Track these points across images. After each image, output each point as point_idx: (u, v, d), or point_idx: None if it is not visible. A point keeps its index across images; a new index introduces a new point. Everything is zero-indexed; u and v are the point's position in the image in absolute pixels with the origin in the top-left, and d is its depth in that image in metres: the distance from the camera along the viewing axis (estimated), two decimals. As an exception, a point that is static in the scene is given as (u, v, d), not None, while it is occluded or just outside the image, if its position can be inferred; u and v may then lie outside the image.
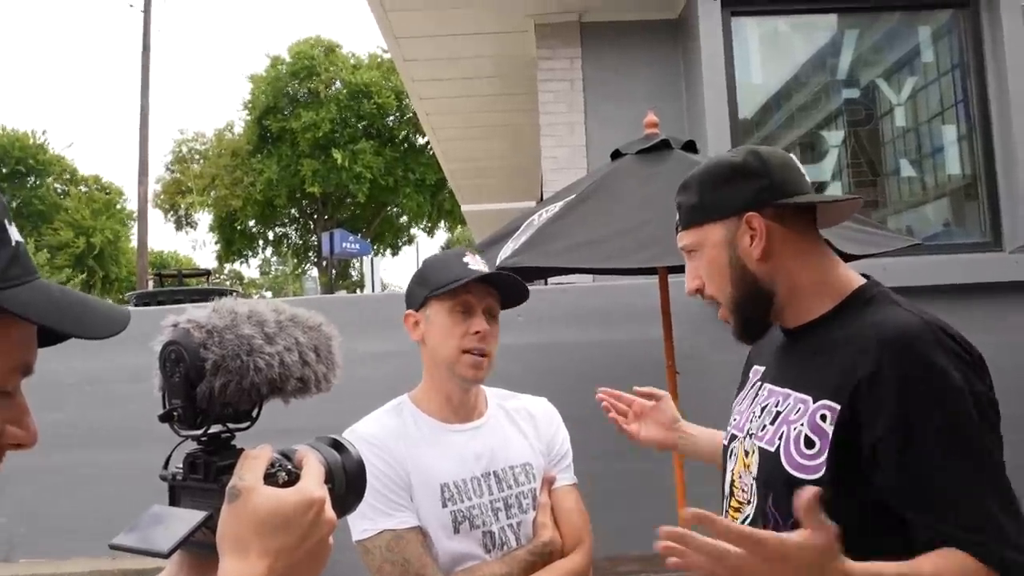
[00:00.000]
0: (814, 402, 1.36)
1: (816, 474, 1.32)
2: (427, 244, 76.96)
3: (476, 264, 1.87)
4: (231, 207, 26.81)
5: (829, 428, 1.32)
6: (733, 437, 1.59)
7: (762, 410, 1.49)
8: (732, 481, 1.55)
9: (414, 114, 21.43)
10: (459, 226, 30.01)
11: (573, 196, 3.52)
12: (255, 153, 26.84)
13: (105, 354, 4.88)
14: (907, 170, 5.36)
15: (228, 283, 32.32)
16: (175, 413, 0.90)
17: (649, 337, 3.98)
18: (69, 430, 4.86)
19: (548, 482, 1.96)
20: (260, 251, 31.25)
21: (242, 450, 0.91)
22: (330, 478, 0.92)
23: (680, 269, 3.86)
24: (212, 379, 0.88)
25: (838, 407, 1.31)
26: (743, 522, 1.47)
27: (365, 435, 1.83)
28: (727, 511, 1.55)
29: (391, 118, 27.01)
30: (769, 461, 1.41)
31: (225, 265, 32.62)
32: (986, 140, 5.12)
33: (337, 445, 0.96)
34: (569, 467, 2.03)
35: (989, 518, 1.22)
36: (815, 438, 1.33)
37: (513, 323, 4.46)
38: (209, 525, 0.86)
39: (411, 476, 1.80)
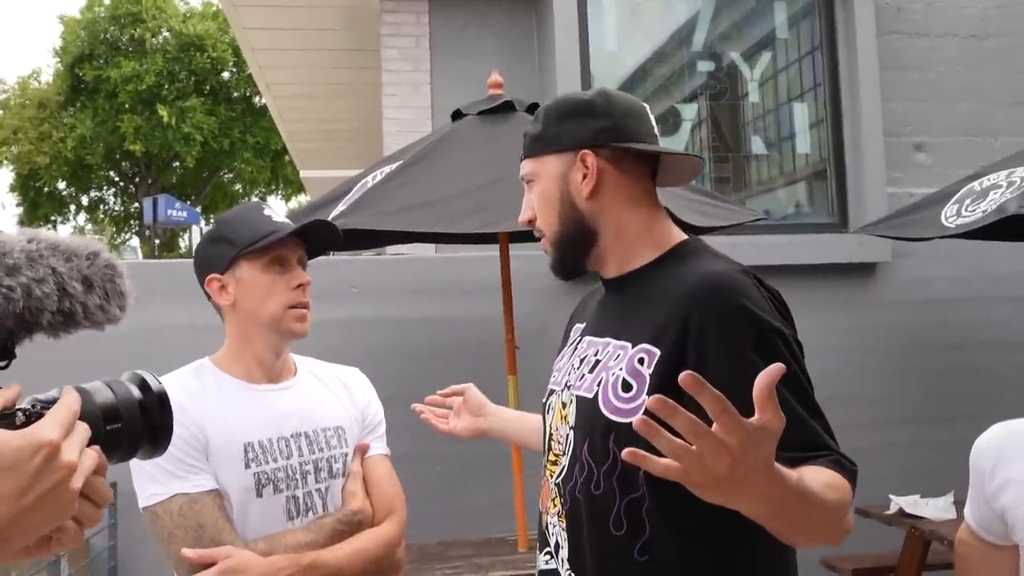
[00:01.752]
0: (632, 347, 1.44)
1: (634, 416, 1.35)
2: (266, 216, 74.76)
3: (277, 216, 1.90)
4: (35, 164, 25.22)
5: (647, 371, 1.40)
6: (551, 393, 1.66)
7: (581, 361, 1.56)
8: (550, 435, 1.61)
9: (252, 70, 20.80)
10: (298, 194, 29.37)
11: (409, 156, 3.51)
12: (66, 106, 25.36)
13: None
14: (763, 150, 5.61)
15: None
16: None
17: (494, 311, 4.02)
18: None
19: (360, 450, 2.00)
20: (72, 216, 29.62)
21: None
22: (114, 416, 0.91)
23: (522, 237, 3.96)
24: None
25: (657, 351, 1.39)
26: (559, 475, 1.53)
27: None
28: (545, 465, 1.62)
29: (226, 74, 26.07)
30: (586, 408, 1.48)
31: (29, 232, 30.65)
32: (836, 124, 5.43)
33: (141, 381, 0.95)
34: (382, 437, 2.07)
35: (825, 436, 1.36)
36: (632, 381, 1.41)
37: (347, 295, 4.42)
38: None
39: (209, 436, 1.80)
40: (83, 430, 0.86)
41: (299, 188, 27.11)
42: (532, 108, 3.72)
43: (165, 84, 24.36)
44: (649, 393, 1.39)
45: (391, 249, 5.10)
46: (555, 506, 1.55)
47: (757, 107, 5.66)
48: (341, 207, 3.38)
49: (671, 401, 1.01)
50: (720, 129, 5.57)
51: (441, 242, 4.39)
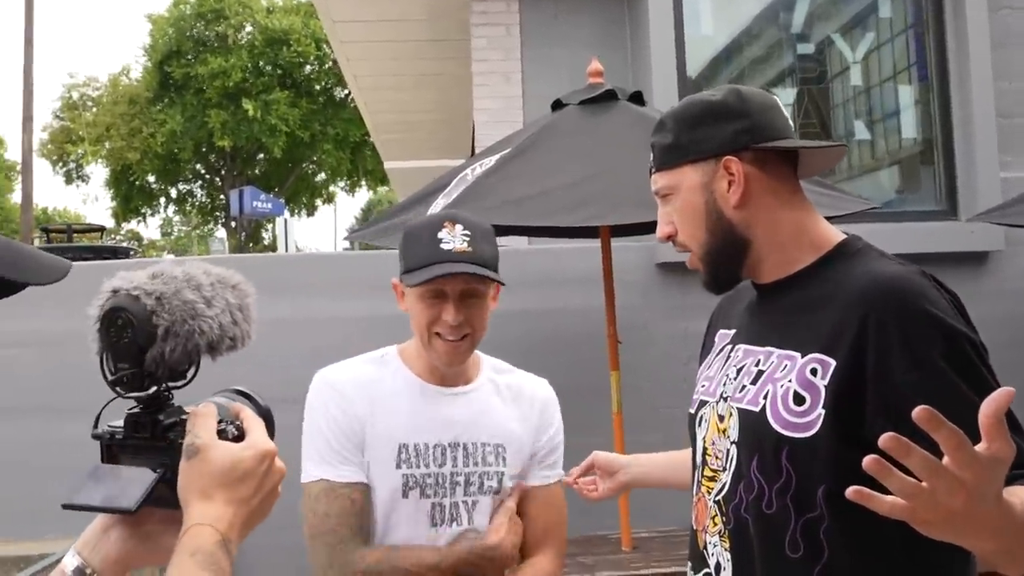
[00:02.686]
0: (802, 357, 1.36)
1: (809, 431, 1.31)
2: (347, 204, 76.18)
3: (453, 240, 1.79)
4: (127, 160, 26.00)
5: (821, 382, 1.32)
6: (703, 403, 1.57)
7: (738, 371, 1.48)
8: (704, 449, 1.53)
9: (335, 63, 20.99)
10: (379, 185, 29.71)
11: (509, 149, 3.46)
12: (156, 101, 26.08)
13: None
14: (861, 133, 5.42)
15: (125, 243, 31.40)
16: (124, 378, 1.00)
17: (591, 305, 3.96)
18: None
19: (519, 490, 1.93)
20: (162, 209, 30.48)
21: (180, 407, 1.03)
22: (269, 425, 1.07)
23: (625, 231, 3.88)
24: (163, 344, 0.99)
25: (832, 361, 1.31)
26: (719, 492, 1.46)
27: (330, 379, 1.88)
28: (699, 481, 1.54)
29: (309, 68, 26.47)
30: (753, 422, 1.39)
31: (122, 224, 31.73)
32: (943, 105, 5.20)
33: (246, 396, 1.09)
34: (557, 462, 2.00)
35: None
36: (805, 394, 1.33)
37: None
38: (164, 479, 0.99)
39: (367, 430, 1.82)
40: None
41: (380, 179, 27.40)
42: (635, 97, 3.63)
43: (250, 79, 24.86)
44: (826, 406, 1.30)
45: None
46: (715, 524, 1.47)
47: (855, 88, 5.46)
48: (441, 200, 3.35)
49: (904, 439, 0.94)
50: (817, 112, 5.39)
51: (538, 235, 4.34)
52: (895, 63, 5.42)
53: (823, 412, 1.30)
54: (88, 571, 0.99)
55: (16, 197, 28.98)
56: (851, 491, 0.96)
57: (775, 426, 1.35)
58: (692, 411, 1.61)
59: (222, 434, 1.00)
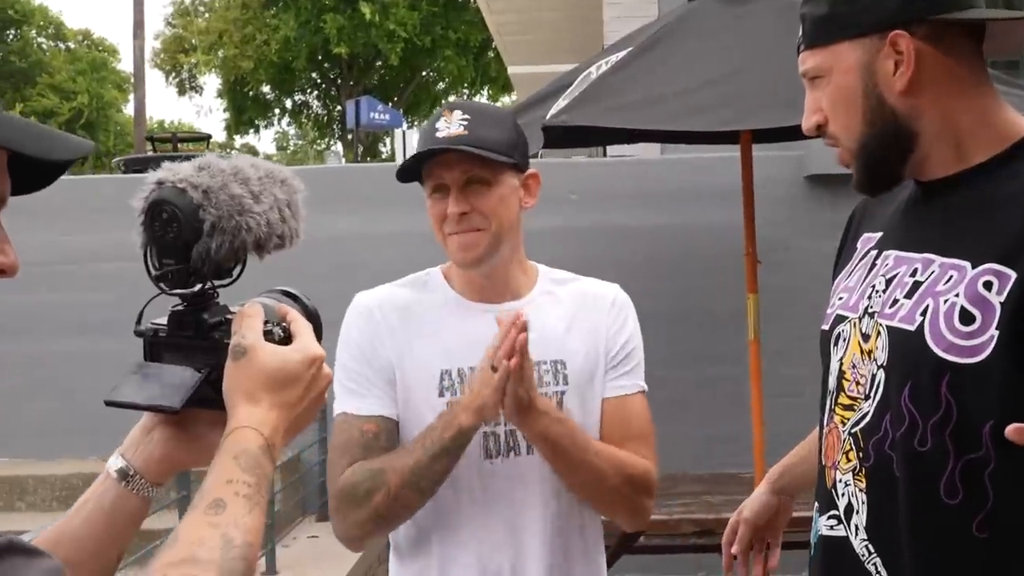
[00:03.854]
0: (972, 267, 1.27)
1: (978, 355, 1.23)
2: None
3: (449, 127, 1.75)
4: (241, 70, 26.73)
5: (996, 298, 1.23)
6: (840, 319, 1.47)
7: (888, 282, 1.38)
8: (841, 373, 1.44)
9: (456, -41, 20.97)
10: (503, 95, 29.67)
11: (638, 44, 3.39)
12: (269, 6, 26.56)
13: (84, 230, 4.91)
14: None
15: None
16: (169, 274, 1.03)
17: (727, 221, 3.91)
18: (48, 313, 4.94)
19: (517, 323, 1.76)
20: (276, 121, 31.33)
21: (225, 307, 1.06)
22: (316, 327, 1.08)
23: (769, 137, 3.74)
24: (208, 240, 1.01)
25: (1012, 273, 1.23)
26: (857, 423, 1.38)
27: (360, 304, 1.87)
28: (831, 410, 1.45)
29: (428, -35, 26.42)
30: (907, 342, 1.30)
31: (235, 137, 32.83)
32: None
33: (293, 297, 1.11)
34: (634, 371, 1.91)
35: None
36: (975, 311, 1.24)
37: (564, 202, 4.39)
38: (208, 379, 1.02)
39: (404, 358, 1.80)
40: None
41: (504, 86, 27.32)
42: (781, -17, 3.47)
43: (368, -21, 25.02)
44: (1001, 327, 1.21)
45: (612, 150, 5.01)
46: (848, 461, 1.39)
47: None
48: (562, 102, 3.33)
49: None
50: None
51: (670, 141, 4.28)
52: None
53: (997, 334, 1.22)
54: (131, 472, 1.04)
55: (130, 109, 30.29)
56: (1011, 429, 0.91)
57: (935, 348, 1.27)
58: (826, 328, 1.52)
59: (269, 336, 1.02)
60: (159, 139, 11.15)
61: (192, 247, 1.01)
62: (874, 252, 1.46)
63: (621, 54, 3.45)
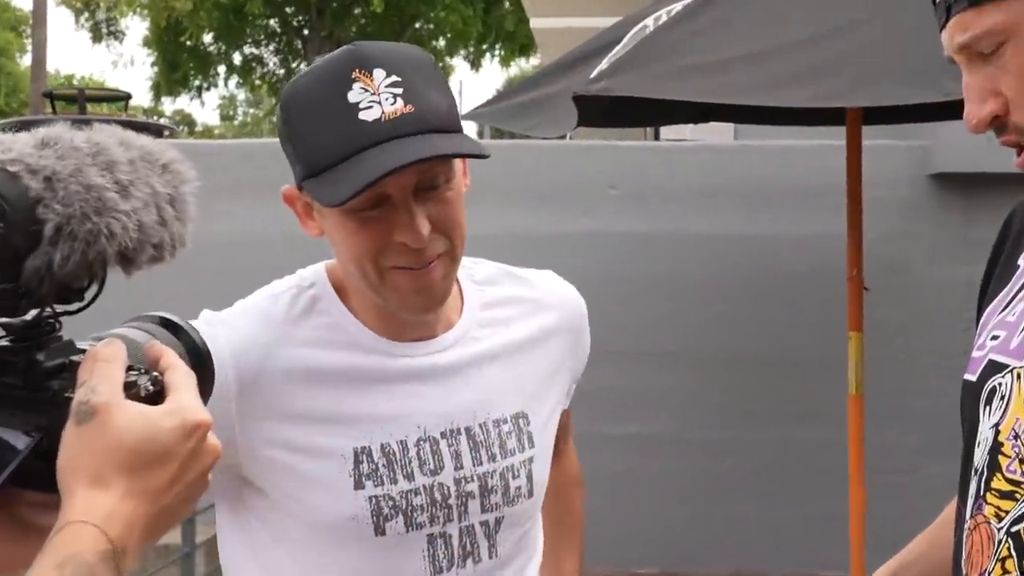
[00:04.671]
0: None
1: None
2: (472, 81, 77.30)
3: (376, 100, 1.52)
4: (176, 12, 26.95)
5: None
6: (996, 367, 1.44)
7: None
8: (997, 444, 1.41)
9: None
10: (521, 55, 29.85)
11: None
12: (217, -71, 26.81)
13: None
14: None
15: (168, 124, 32.85)
16: None
17: (826, 231, 3.90)
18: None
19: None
20: (221, 81, 31.54)
21: (71, 343, 1.01)
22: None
23: (884, 117, 3.77)
24: (50, 249, 0.94)
25: None
26: (1019, 518, 1.35)
27: (219, 351, 1.63)
28: (980, 496, 1.43)
29: None
30: None
31: (164, 99, 33.05)
32: None
33: (173, 329, 1.07)
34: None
35: None
36: None
37: (601, 198, 4.38)
38: (38, 449, 0.96)
39: (274, 432, 1.65)
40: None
41: (523, 45, 27.49)
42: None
43: None
44: None
45: (667, 132, 5.03)
46: (1006, 571, 1.38)
47: None
48: (604, 64, 3.31)
49: None
50: None
51: (747, 122, 4.26)
52: None
53: None
54: None
55: (28, 59, 30.53)
56: None
57: None
58: (972, 378, 1.49)
59: (131, 389, 0.96)
60: (60, 96, 11.13)
61: (25, 259, 0.94)
62: None
63: (683, 2, 3.46)
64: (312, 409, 1.67)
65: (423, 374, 1.72)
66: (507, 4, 24.97)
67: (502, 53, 30.69)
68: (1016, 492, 1.37)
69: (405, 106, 1.52)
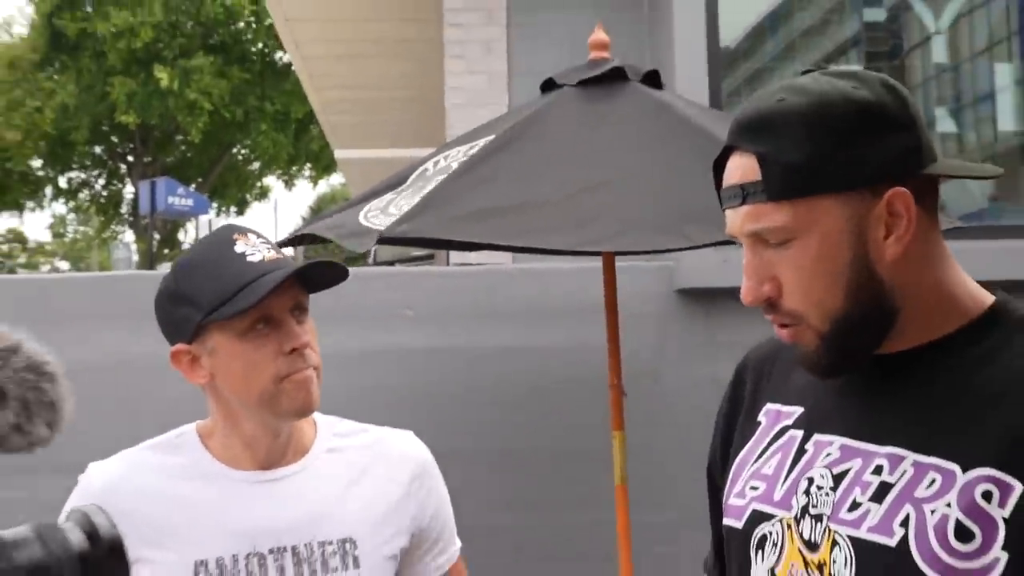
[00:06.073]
0: (964, 471, 1.22)
1: None
2: (286, 198, 76.33)
3: (256, 251, 1.78)
4: (5, 141, 25.93)
5: (999, 512, 1.19)
6: (761, 516, 1.41)
7: (838, 478, 1.32)
8: None
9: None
10: (327, 174, 29.76)
11: (487, 140, 3.43)
12: (44, 66, 26.04)
13: None
14: (944, 123, 5.41)
15: (5, 247, 31.39)
16: None
17: (589, 343, 3.94)
18: None
19: None
20: (47, 202, 30.43)
21: None
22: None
23: (633, 253, 3.81)
24: None
25: (1018, 485, 1.19)
26: None
27: (91, 486, 1.81)
28: None
29: (242, 24, 26.48)
30: (888, 562, 1.24)
31: (-2, 221, 31.71)
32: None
33: (89, 526, 0.99)
34: (450, 539, 2.02)
35: None
36: (974, 527, 1.20)
37: (398, 319, 4.35)
38: None
39: (143, 549, 1.73)
40: None
41: (328, 166, 27.41)
42: (650, 78, 3.59)
43: (165, 39, 24.82)
44: (1008, 547, 1.17)
45: (456, 256, 5.02)
46: None
47: (938, 65, 5.46)
48: (401, 202, 3.33)
49: None
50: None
51: (521, 251, 4.32)
52: (991, 32, 5.41)
53: (1005, 556, 1.18)
54: None
55: None
56: None
57: (927, 570, 1.20)
58: (738, 525, 1.45)
59: None
60: None
61: None
62: (796, 433, 1.41)
63: (464, 148, 3.49)
64: (161, 527, 1.76)
65: (261, 495, 1.81)
66: (315, 129, 24.86)
67: (312, 173, 30.53)
68: None
69: (276, 254, 1.79)
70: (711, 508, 1.62)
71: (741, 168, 1.31)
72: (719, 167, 1.37)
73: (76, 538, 0.94)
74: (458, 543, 2.02)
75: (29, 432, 0.93)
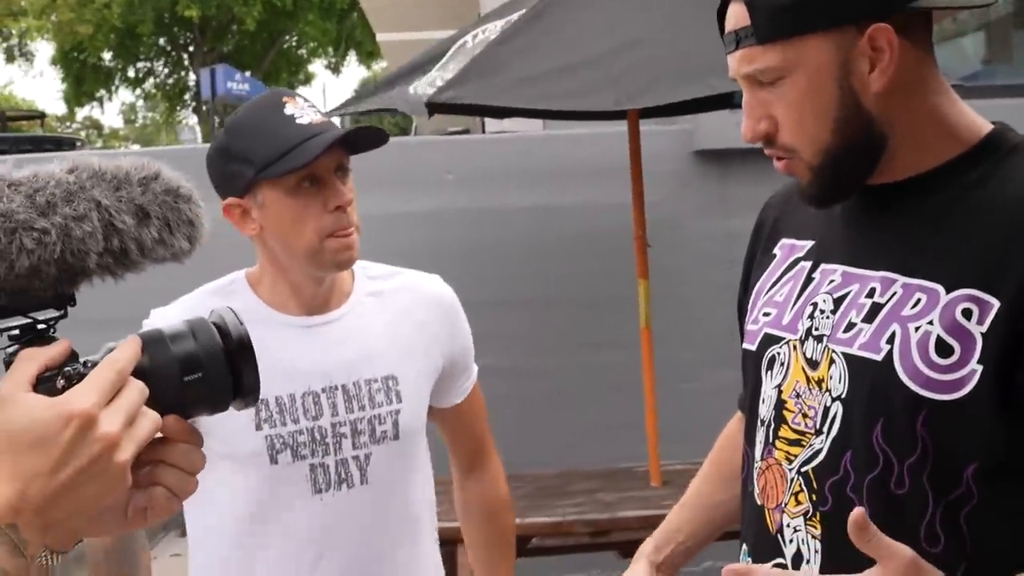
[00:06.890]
0: (947, 291, 1.22)
1: (957, 392, 1.19)
2: (333, 84, 75.50)
3: (304, 113, 1.75)
4: (79, 35, 25.82)
5: (977, 328, 1.18)
6: (772, 339, 1.41)
7: (838, 301, 1.33)
8: (781, 402, 1.37)
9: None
10: (371, 60, 29.41)
11: (519, 14, 3.43)
12: (109, -36, 25.71)
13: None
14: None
15: (83, 133, 31.47)
16: None
17: (614, 201, 3.97)
18: None
19: None
20: (115, 92, 30.41)
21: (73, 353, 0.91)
22: (194, 366, 0.92)
23: (656, 112, 3.78)
24: None
25: (995, 301, 1.18)
26: (809, 459, 1.33)
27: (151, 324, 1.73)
28: (769, 444, 1.39)
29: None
30: (873, 374, 1.25)
31: (77, 110, 31.75)
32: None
33: (220, 321, 0.96)
34: (471, 366, 2.03)
35: None
36: (953, 342, 1.19)
37: (440, 183, 4.41)
38: None
39: None
40: (136, 392, 0.87)
41: (372, 53, 27.09)
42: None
43: (219, -67, 24.42)
44: (984, 360, 1.17)
45: (492, 124, 5.03)
46: (798, 503, 1.34)
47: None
48: (441, 73, 3.35)
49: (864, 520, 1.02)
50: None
51: (552, 118, 4.33)
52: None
53: (980, 368, 1.17)
54: None
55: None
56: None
57: (909, 382, 1.21)
58: (752, 347, 1.45)
59: (44, 384, 0.87)
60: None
61: None
62: (806, 264, 1.41)
63: (499, 24, 3.48)
64: None
65: (312, 339, 1.81)
66: (357, 16, 24.51)
67: (358, 58, 30.21)
68: (802, 440, 1.33)
69: (322, 117, 1.76)
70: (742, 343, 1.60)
71: (735, 15, 1.30)
72: (721, 17, 1.36)
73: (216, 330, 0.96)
74: (474, 367, 2.03)
75: (172, 245, 0.95)
